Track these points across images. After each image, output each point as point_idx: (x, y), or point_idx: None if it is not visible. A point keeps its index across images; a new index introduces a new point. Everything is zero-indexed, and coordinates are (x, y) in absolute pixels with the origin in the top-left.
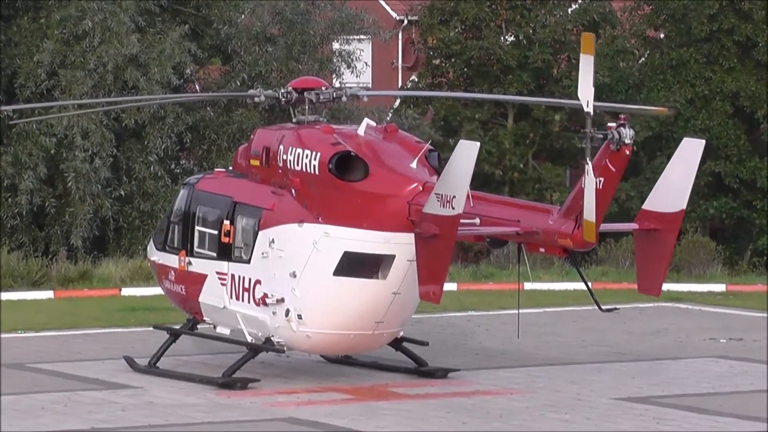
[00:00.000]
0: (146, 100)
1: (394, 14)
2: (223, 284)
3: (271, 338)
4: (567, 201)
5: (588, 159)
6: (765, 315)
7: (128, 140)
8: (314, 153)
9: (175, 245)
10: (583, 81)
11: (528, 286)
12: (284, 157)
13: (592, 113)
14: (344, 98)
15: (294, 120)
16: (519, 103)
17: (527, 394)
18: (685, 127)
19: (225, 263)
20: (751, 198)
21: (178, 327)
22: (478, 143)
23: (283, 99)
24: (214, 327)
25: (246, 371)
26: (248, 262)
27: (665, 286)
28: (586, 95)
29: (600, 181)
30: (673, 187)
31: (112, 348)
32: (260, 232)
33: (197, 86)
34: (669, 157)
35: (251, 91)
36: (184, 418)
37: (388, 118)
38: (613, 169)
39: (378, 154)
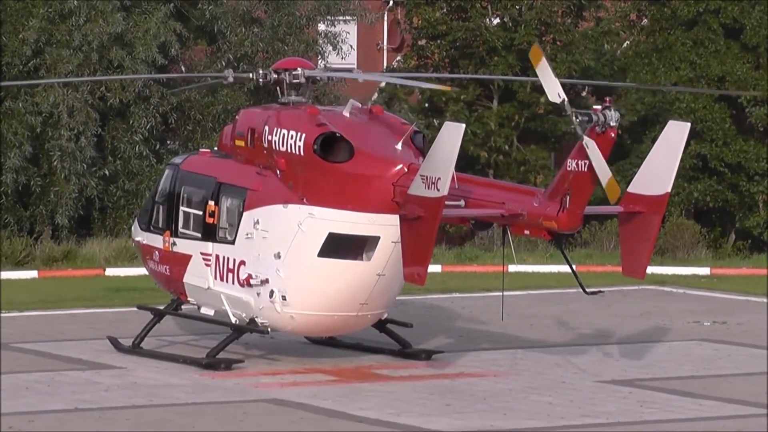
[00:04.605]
0: (130, 78)
1: None
2: (207, 265)
3: (256, 319)
4: (552, 183)
5: (582, 133)
6: (749, 298)
7: (113, 119)
8: (299, 134)
9: (160, 225)
10: (547, 83)
11: (512, 268)
12: (269, 137)
13: (566, 98)
14: (326, 80)
15: (279, 101)
16: (504, 86)
17: (511, 376)
18: (671, 110)
19: (209, 244)
20: (737, 181)
21: (162, 307)
22: (464, 125)
23: (261, 80)
24: (199, 308)
25: (230, 352)
26: (233, 242)
27: (649, 269)
28: (554, 90)
29: (585, 164)
30: (658, 169)
31: (96, 328)
32: (245, 213)
33: (182, 67)
34: (654, 141)
35: (226, 72)
36: (168, 398)
37: (374, 97)
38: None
39: (363, 135)
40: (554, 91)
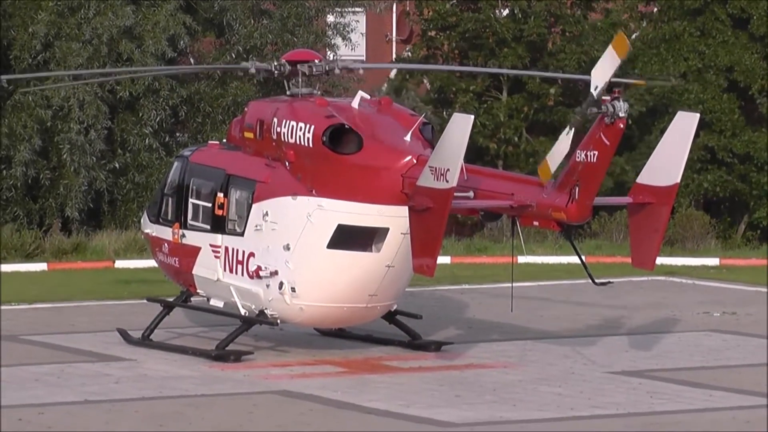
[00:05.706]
0: (141, 71)
1: None
2: (216, 257)
3: (265, 311)
4: (561, 175)
5: (570, 129)
6: (758, 289)
7: (122, 112)
8: (308, 126)
9: (169, 218)
10: (602, 68)
11: (521, 259)
12: (278, 129)
13: (595, 98)
14: (337, 70)
15: (288, 93)
16: (513, 77)
17: (520, 367)
18: (679, 101)
19: (219, 236)
20: (745, 171)
21: (171, 299)
22: (472, 116)
23: (276, 72)
24: (208, 300)
25: (239, 344)
26: (242, 234)
27: (659, 260)
28: (598, 80)
29: (594, 155)
30: (667, 160)
31: (106, 320)
32: (254, 205)
33: (191, 59)
34: (663, 131)
35: (244, 64)
36: (178, 390)
37: (384, 88)
38: (608, 143)
39: (372, 126)
40: (597, 82)
